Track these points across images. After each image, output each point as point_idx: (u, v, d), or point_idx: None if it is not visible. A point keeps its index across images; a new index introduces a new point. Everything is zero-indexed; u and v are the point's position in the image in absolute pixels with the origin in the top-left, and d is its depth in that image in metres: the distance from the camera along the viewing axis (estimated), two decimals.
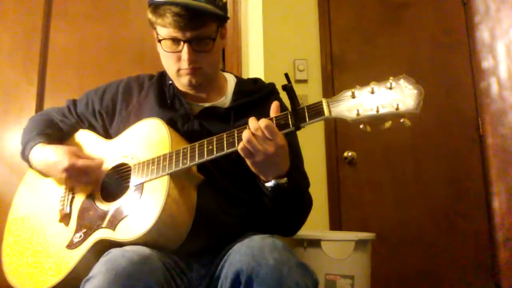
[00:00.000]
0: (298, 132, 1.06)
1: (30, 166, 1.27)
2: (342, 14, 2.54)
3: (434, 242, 2.33)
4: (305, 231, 1.51)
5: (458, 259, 2.32)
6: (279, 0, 2.49)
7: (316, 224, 2.27)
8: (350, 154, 2.40)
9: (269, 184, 1.03)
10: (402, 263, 2.30)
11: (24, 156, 1.26)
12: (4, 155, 2.33)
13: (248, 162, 1.00)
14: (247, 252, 0.92)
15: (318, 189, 2.31)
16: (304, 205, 1.16)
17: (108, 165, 1.20)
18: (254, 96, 1.26)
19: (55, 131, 1.31)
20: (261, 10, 2.44)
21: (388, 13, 2.56)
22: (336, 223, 2.31)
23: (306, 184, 1.22)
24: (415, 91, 0.90)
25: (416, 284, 2.29)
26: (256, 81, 1.35)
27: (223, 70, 1.37)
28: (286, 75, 0.99)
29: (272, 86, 1.33)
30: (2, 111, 2.38)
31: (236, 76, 1.35)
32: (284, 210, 1.10)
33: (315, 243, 1.66)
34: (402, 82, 0.92)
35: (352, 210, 2.35)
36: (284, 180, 1.03)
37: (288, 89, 0.96)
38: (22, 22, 2.46)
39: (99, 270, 0.88)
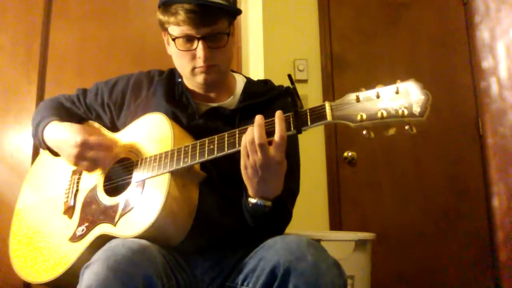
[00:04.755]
0: None
1: (41, 145, 1.26)
2: (342, 14, 2.54)
3: (434, 242, 2.33)
4: (305, 231, 1.51)
5: (458, 259, 2.32)
6: (279, 0, 2.49)
7: (316, 224, 2.27)
8: (350, 154, 2.40)
9: (253, 200, 1.02)
10: (402, 263, 2.30)
11: (37, 134, 1.24)
12: (4, 155, 2.33)
13: (242, 163, 0.98)
14: (283, 246, 0.92)
15: (318, 189, 2.31)
16: (281, 223, 1.13)
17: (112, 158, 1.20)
18: (262, 98, 1.24)
19: (67, 115, 1.30)
20: (261, 10, 2.45)
21: (388, 13, 2.56)
22: (336, 223, 2.31)
23: (291, 200, 1.18)
24: (423, 97, 0.84)
25: (416, 284, 2.29)
26: (266, 82, 1.33)
27: (232, 71, 1.35)
28: (289, 77, 0.97)
29: (281, 88, 1.30)
30: (2, 111, 2.37)
31: (245, 77, 1.34)
32: (260, 226, 1.09)
33: None
34: (409, 86, 0.87)
35: (352, 210, 2.35)
36: (269, 203, 1.01)
37: (291, 91, 0.95)
38: (22, 22, 2.46)
39: (99, 257, 0.88)
